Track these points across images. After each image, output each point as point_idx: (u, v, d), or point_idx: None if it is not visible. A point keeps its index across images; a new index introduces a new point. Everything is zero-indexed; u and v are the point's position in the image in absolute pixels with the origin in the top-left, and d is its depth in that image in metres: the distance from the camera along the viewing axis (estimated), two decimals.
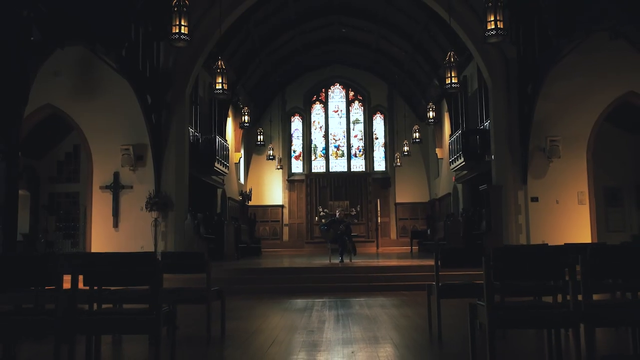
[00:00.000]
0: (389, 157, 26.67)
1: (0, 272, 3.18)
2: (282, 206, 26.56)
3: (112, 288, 4.51)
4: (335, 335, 5.37)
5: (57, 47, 9.36)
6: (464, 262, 6.57)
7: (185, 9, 9.66)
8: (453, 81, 12.43)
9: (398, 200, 26.28)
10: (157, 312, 3.23)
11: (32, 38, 8.07)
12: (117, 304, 4.45)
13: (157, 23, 14.02)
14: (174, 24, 9.64)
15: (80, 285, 3.59)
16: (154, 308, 3.23)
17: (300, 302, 8.15)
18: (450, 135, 19.89)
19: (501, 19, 9.47)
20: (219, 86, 12.70)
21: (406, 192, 26.26)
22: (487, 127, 15.71)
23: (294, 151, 27.28)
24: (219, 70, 12.70)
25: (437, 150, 23.35)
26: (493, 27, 9.43)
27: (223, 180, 20.65)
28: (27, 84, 8.02)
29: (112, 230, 14.46)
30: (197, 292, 5.10)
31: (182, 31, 9.59)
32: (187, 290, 4.96)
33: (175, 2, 9.71)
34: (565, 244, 4.22)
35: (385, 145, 27.10)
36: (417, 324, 6.02)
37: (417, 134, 21.85)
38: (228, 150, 20.27)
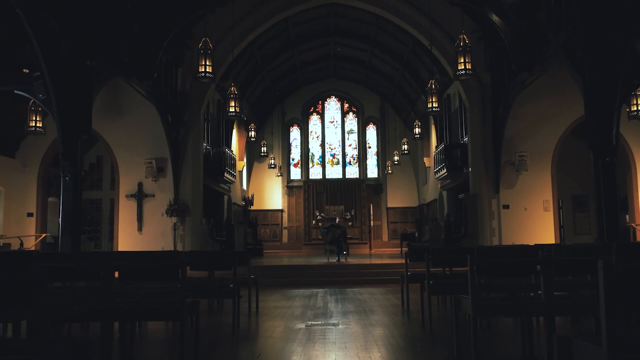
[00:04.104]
0: (381, 165, 28.73)
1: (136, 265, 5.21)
2: (281, 210, 28.56)
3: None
4: (336, 309, 7.49)
5: (105, 82, 11.40)
6: None
7: (209, 52, 11.69)
8: (434, 105, 14.49)
9: (389, 205, 28.34)
10: (235, 285, 5.28)
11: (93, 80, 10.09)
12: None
13: (176, 52, 16.08)
14: (200, 63, 11.67)
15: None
16: (234, 283, 5.29)
17: (306, 292, 10.24)
18: (436, 147, 21.97)
19: (469, 60, 11.56)
20: (232, 109, 14.72)
21: (397, 198, 28.33)
22: (466, 142, 17.78)
23: (293, 159, 29.32)
24: (232, 96, 14.71)
25: (425, 159, 25.40)
26: (463, 67, 11.52)
27: (229, 188, 22.66)
28: (89, 117, 10.04)
29: (136, 233, 16.43)
30: (241, 280, 7.12)
31: (207, 70, 11.62)
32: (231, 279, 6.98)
33: (202, 45, 11.74)
34: (494, 245, 6.25)
35: (377, 153, 29.16)
36: (395, 303, 8.15)
37: (406, 146, 23.94)
38: (235, 160, 22.32)
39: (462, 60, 11.51)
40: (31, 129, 13.50)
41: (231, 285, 5.33)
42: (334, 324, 6.09)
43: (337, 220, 17.12)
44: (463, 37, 11.60)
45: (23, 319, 2.14)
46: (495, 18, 13.42)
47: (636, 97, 13.15)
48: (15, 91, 10.70)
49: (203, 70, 11.66)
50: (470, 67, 11.54)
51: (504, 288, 4.41)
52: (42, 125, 13.72)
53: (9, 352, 2.21)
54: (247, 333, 5.82)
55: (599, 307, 2.14)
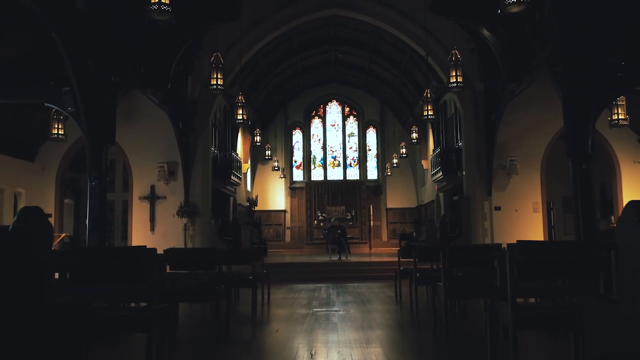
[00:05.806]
0: (380, 167, 29.71)
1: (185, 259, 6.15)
2: (284, 211, 29.56)
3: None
4: (338, 299, 8.50)
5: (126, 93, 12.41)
6: None
7: (221, 66, 12.67)
8: (430, 113, 15.47)
9: (389, 206, 29.32)
10: (254, 277, 6.29)
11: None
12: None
13: (186, 62, 17.06)
14: (212, 76, 12.65)
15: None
16: (254, 275, 6.30)
17: (310, 286, 11.26)
18: (433, 151, 22.94)
19: (461, 74, 12.53)
20: (239, 117, 15.72)
21: (396, 199, 29.32)
22: (461, 147, 18.74)
23: (295, 161, 30.32)
24: (239, 104, 15.72)
25: (423, 162, 26.34)
26: (454, 80, 12.49)
27: (235, 189, 23.64)
28: (114, 128, 11.02)
29: (149, 233, 17.40)
30: (256, 273, 8.10)
31: (219, 83, 12.60)
32: (247, 273, 7.98)
33: (213, 60, 12.72)
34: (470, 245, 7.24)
35: (377, 156, 30.16)
36: (390, 295, 9.18)
37: (404, 150, 24.91)
38: (240, 162, 23.31)
39: (454, 74, 12.47)
40: (53, 135, 14.49)
41: (250, 277, 6.35)
42: (336, 311, 7.11)
43: (332, 220, 18.20)
44: (455, 52, 12.56)
45: (143, 295, 3.08)
46: (485, 32, 14.38)
47: (617, 106, 14.09)
48: (46, 104, 11.70)
49: (215, 82, 12.64)
50: (461, 80, 12.50)
51: (477, 279, 5.40)
52: (64, 132, 14.71)
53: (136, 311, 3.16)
54: (263, 317, 6.85)
55: (506, 282, 3.12)
